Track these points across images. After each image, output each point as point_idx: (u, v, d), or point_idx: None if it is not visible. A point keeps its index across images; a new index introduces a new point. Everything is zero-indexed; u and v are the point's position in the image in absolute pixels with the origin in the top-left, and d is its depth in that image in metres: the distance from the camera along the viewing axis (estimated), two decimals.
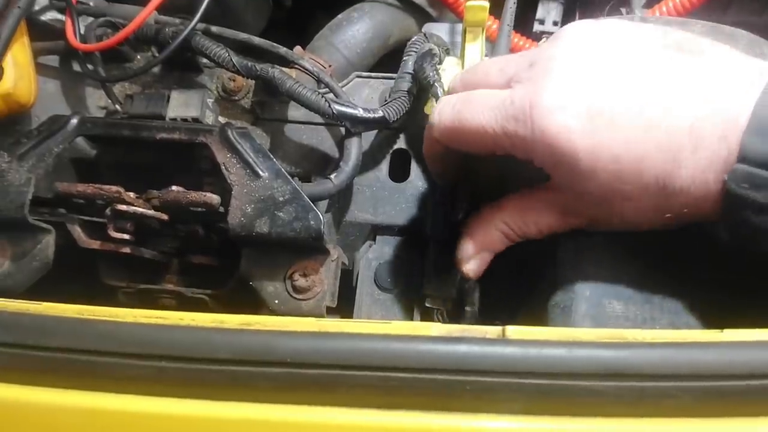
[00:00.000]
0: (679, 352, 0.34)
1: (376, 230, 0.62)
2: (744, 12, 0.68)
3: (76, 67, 0.64)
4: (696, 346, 0.35)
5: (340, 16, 0.71)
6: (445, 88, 0.53)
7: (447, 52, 0.63)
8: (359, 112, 0.56)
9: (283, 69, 0.59)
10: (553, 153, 0.42)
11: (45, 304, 0.37)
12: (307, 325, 0.35)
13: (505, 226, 0.48)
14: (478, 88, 0.48)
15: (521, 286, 0.53)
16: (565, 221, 0.46)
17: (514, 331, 0.35)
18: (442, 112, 0.48)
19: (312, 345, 0.34)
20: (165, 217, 0.53)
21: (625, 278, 0.45)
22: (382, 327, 0.35)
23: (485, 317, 0.51)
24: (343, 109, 0.55)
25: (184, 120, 0.56)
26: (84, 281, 0.59)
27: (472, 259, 0.49)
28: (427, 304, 0.53)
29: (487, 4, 0.55)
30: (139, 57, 0.64)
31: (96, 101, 0.64)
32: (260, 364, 0.33)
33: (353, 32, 0.70)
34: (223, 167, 0.52)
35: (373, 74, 0.65)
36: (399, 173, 0.62)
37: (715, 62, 0.41)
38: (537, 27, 0.74)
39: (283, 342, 0.34)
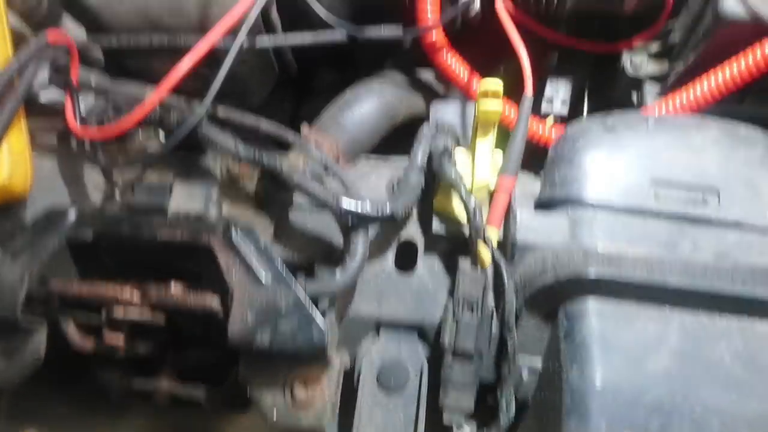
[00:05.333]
0: None
1: (379, 325, 0.60)
2: (760, 104, 0.66)
3: (74, 143, 0.62)
4: None
5: (347, 94, 0.69)
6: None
7: (457, 142, 0.61)
8: (368, 209, 0.54)
9: (290, 156, 0.57)
10: None
11: None
12: None
13: None
14: None
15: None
16: None
17: None
18: None
19: None
20: (162, 323, 0.51)
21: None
22: None
23: None
24: (351, 207, 0.53)
25: (187, 214, 0.54)
26: (76, 373, 0.57)
27: None
28: (445, 422, 0.51)
29: (500, 108, 0.54)
30: (141, 135, 0.62)
31: (94, 179, 0.62)
32: None
33: (361, 111, 0.68)
34: (225, 270, 0.50)
35: (381, 157, 0.63)
36: (406, 262, 0.61)
37: None
38: (545, 108, 0.72)
39: None
